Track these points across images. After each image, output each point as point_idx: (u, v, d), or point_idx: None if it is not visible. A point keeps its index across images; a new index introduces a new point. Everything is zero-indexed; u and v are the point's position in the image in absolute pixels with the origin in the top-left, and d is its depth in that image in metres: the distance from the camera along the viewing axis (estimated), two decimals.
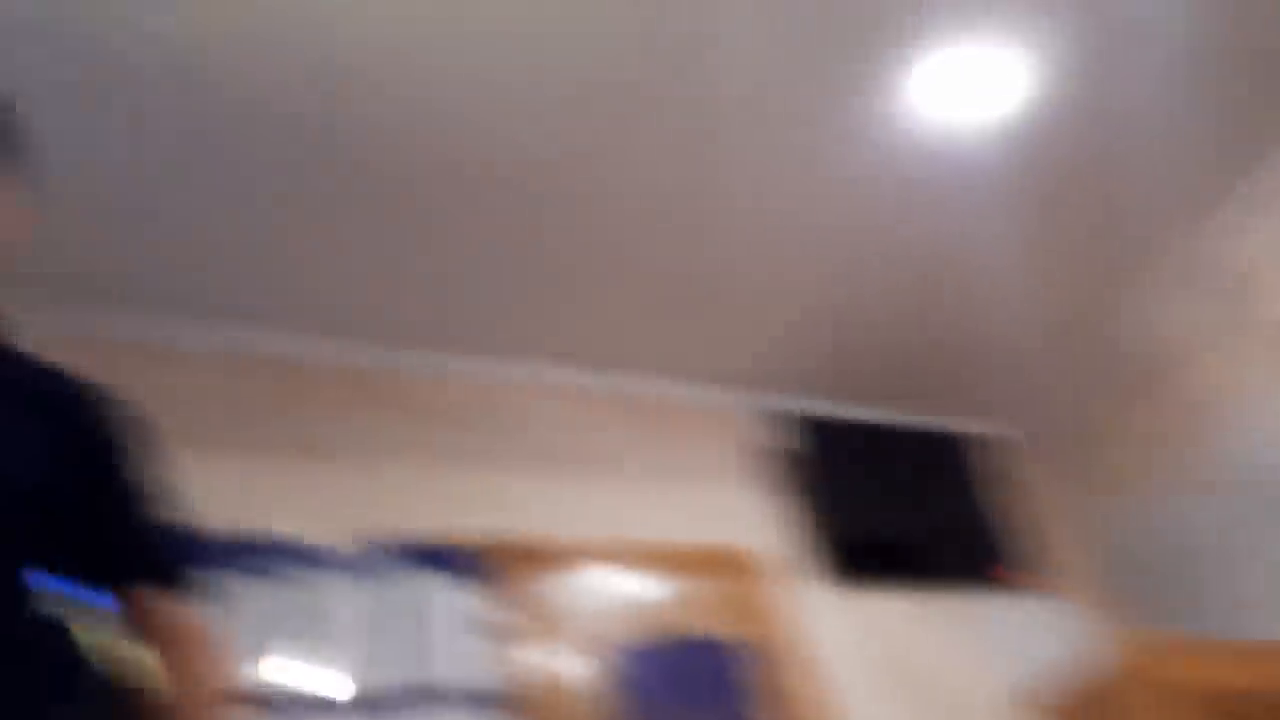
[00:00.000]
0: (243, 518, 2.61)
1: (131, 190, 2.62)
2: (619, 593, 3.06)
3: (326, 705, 2.48)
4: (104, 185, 2.57)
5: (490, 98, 2.58)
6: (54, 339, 1.20)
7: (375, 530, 2.84)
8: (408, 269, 3.04)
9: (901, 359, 3.77)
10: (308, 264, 2.96)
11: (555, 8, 2.41)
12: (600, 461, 3.38)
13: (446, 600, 2.78)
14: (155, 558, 1.14)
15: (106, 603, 1.10)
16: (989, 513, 3.86)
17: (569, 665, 2.84)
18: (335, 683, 2.54)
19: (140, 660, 1.08)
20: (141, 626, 1.07)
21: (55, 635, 1.03)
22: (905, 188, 3.07)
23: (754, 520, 3.46)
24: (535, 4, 2.40)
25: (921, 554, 3.64)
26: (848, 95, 2.77)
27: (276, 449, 2.94)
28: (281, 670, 2.49)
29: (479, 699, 2.64)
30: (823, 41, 2.61)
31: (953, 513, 3.80)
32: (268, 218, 2.78)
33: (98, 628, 1.08)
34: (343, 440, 3.05)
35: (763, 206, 3.06)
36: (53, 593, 1.06)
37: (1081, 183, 3.17)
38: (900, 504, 3.72)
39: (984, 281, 3.44)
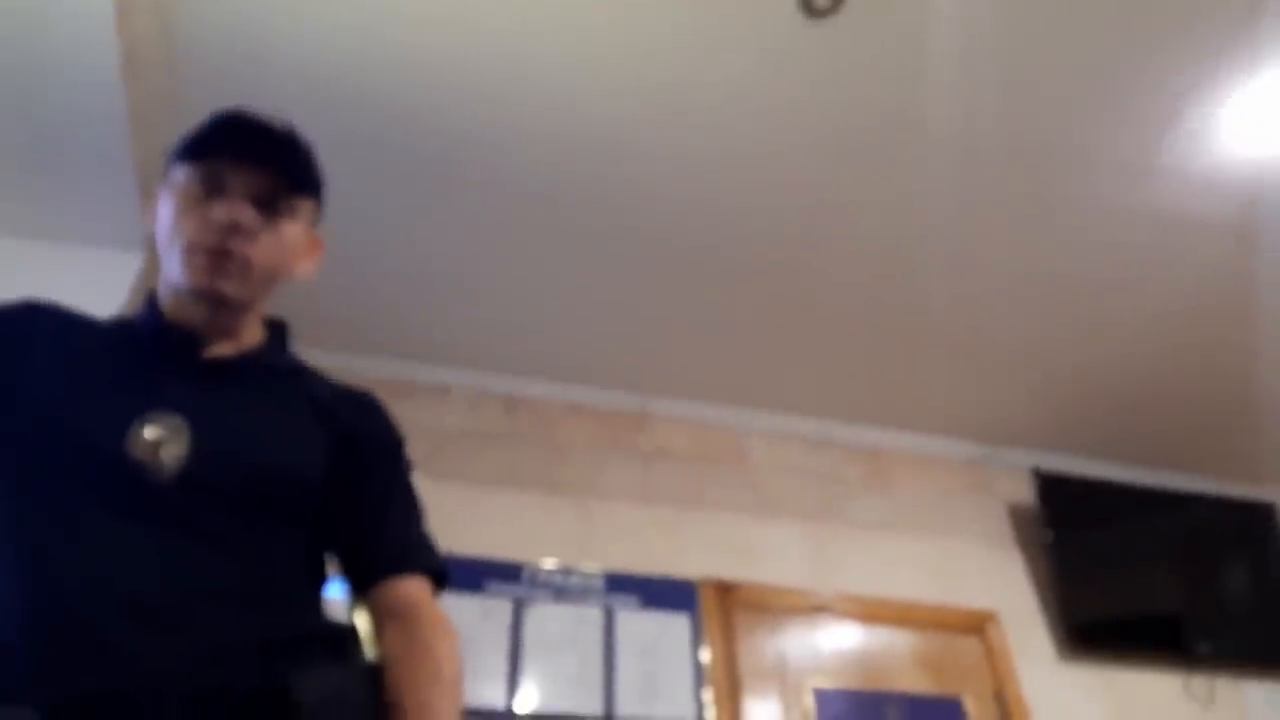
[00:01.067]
0: (472, 541, 2.78)
1: (403, 254, 2.87)
2: (844, 644, 3.02)
3: None
4: (380, 249, 2.83)
5: (737, 153, 2.61)
6: (330, 371, 1.28)
7: (599, 561, 2.94)
8: (655, 319, 3.12)
9: (1167, 416, 3.52)
10: (558, 314, 3.09)
11: (803, 66, 2.42)
12: (833, 511, 3.35)
13: (661, 635, 2.82)
14: (420, 550, 1.17)
15: (357, 597, 1.15)
16: (1261, 587, 3.48)
17: (786, 713, 2.80)
18: (532, 701, 2.64)
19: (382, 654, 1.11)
20: (389, 619, 1.09)
21: (345, 631, 1.09)
22: (1184, 230, 2.85)
23: (992, 578, 3.33)
24: (784, 61, 2.41)
25: (1174, 629, 3.33)
26: (1137, 133, 2.60)
27: (510, 480, 3.09)
28: (485, 685, 2.60)
29: None
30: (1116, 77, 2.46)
31: (1220, 585, 3.47)
32: (524, 273, 2.94)
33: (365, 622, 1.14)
34: (579, 475, 3.17)
35: (1020, 255, 2.92)
36: (337, 588, 1.15)
37: None
38: (1158, 573, 3.43)
39: (1267, 333, 3.14)
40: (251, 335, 1.19)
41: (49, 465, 1.00)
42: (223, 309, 1.14)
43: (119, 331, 1.18)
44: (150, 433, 1.01)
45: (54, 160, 2.39)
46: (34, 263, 2.47)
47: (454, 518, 2.78)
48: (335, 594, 1.16)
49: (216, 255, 1.10)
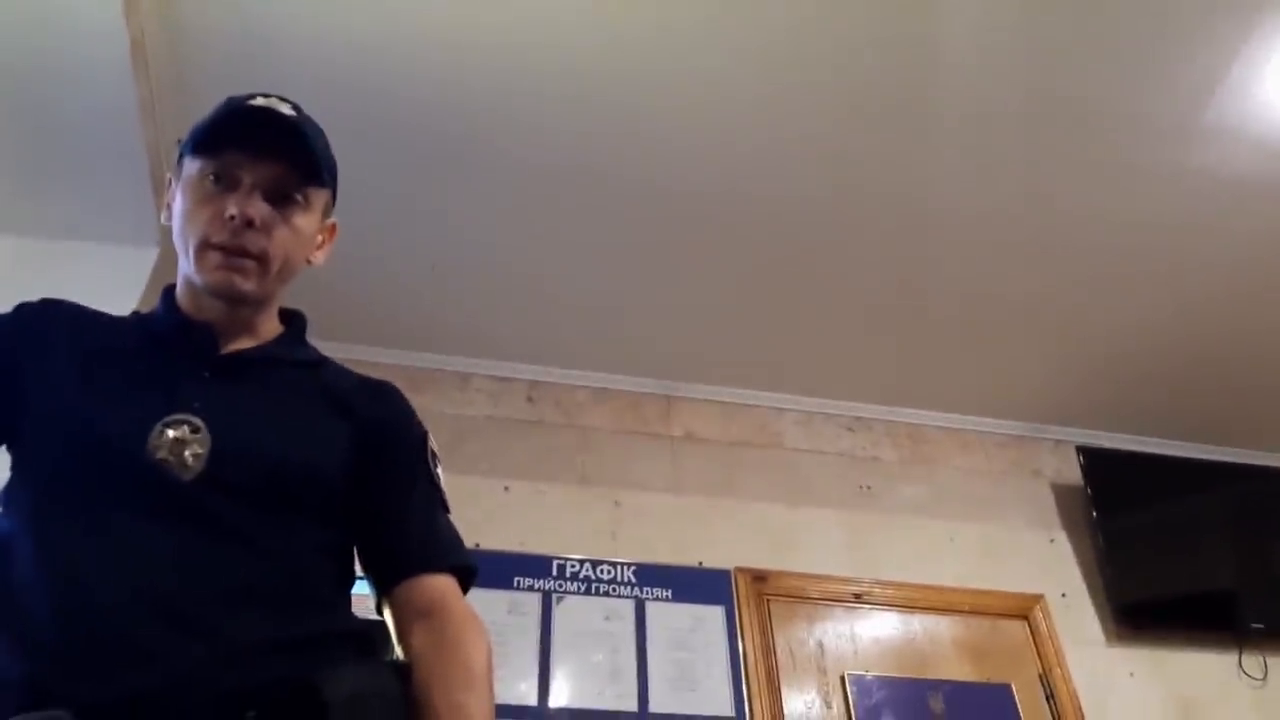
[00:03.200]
0: (498, 535, 2.75)
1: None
2: (884, 632, 2.97)
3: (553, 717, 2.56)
4: (397, 237, 2.81)
5: (760, 133, 2.56)
6: (349, 363, 1.26)
7: (629, 552, 2.91)
8: (681, 303, 3.09)
9: (1214, 388, 3.43)
10: (581, 300, 3.07)
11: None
12: (870, 495, 3.30)
13: (695, 627, 2.79)
14: (447, 545, 1.16)
15: (377, 592, 1.14)
16: None
17: (825, 702, 2.74)
18: (564, 696, 2.62)
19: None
20: (416, 618, 1.08)
21: (373, 629, 1.08)
22: (1232, 193, 2.76)
23: (1037, 560, 3.26)
24: (805, 35, 2.35)
25: (1227, 606, 3.25)
26: (1181, 96, 2.52)
27: (536, 471, 3.06)
28: (516, 681, 2.58)
29: None
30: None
31: (1273, 559, 3.37)
32: (546, 259, 2.92)
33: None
34: (606, 464, 3.14)
35: (1059, 227, 2.85)
36: (362, 586, 1.12)
37: None
38: (1209, 549, 3.35)
39: None
40: (269, 328, 1.19)
41: (71, 467, 1.00)
42: (240, 305, 1.14)
43: (137, 328, 1.18)
44: (171, 432, 1.01)
45: (65, 157, 2.40)
46: (50, 260, 2.49)
47: (479, 511, 2.77)
48: (362, 591, 1.13)
49: (231, 252, 1.10)
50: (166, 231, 1.18)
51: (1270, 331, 3.20)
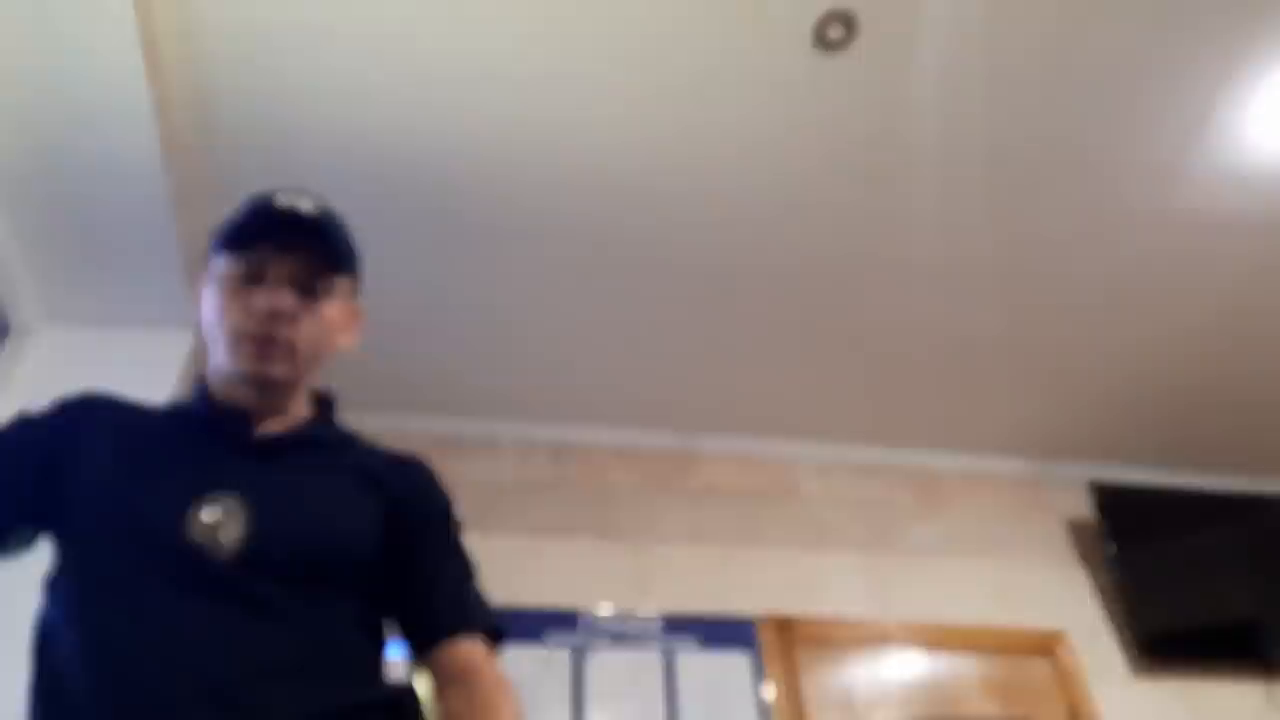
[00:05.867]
0: (528, 591, 2.78)
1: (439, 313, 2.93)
2: (910, 673, 2.96)
3: None
4: (419, 307, 2.89)
5: (763, 187, 2.61)
6: (376, 434, 1.31)
7: (655, 603, 2.93)
8: (695, 356, 3.11)
9: (1224, 418, 3.44)
10: (597, 359, 3.11)
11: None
12: (888, 539, 3.31)
13: (723, 675, 2.79)
14: (475, 610, 1.19)
15: (413, 659, 1.18)
16: None
17: None
18: None
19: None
20: (449, 682, 1.12)
21: (406, 695, 1.12)
22: (1222, 230, 2.81)
23: (1057, 597, 3.25)
24: (801, 94, 2.42)
25: (1252, 636, 3.23)
26: (1167, 136, 2.57)
27: (562, 528, 3.09)
28: None
29: None
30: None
31: None
32: (560, 320, 2.97)
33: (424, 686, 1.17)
34: (630, 518, 3.17)
35: (1069, 267, 2.90)
36: (397, 653, 1.17)
37: None
38: (1230, 579, 3.32)
39: None
40: (300, 410, 1.24)
41: (111, 551, 1.04)
42: (272, 389, 1.19)
43: (172, 416, 1.24)
44: (207, 515, 1.04)
45: (102, 248, 2.47)
46: (88, 349, 2.56)
47: (508, 569, 2.77)
48: (396, 656, 1.17)
49: (262, 342, 1.16)
50: (200, 324, 1.25)
51: (1275, 360, 3.22)
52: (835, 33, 2.25)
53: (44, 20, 1.96)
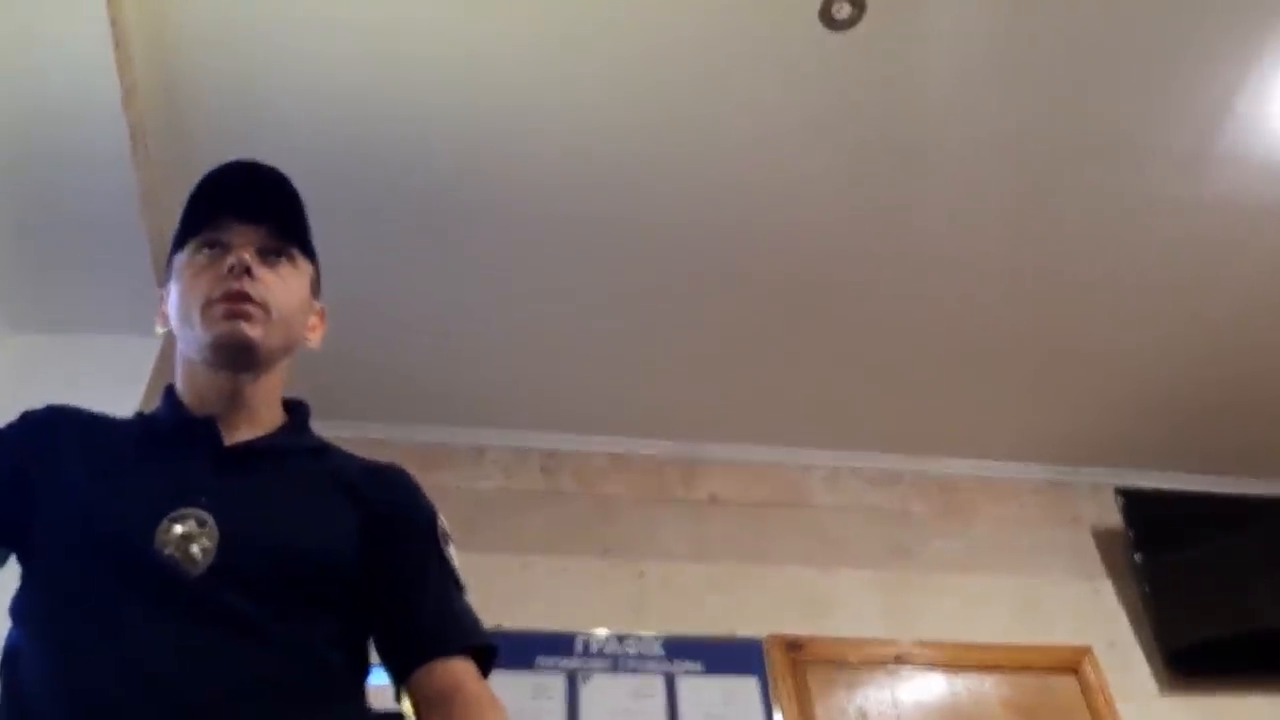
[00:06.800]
0: (519, 613, 2.68)
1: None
2: (928, 695, 2.89)
3: None
4: (400, 312, 2.84)
5: (768, 177, 2.57)
6: (359, 442, 1.29)
7: (656, 625, 2.87)
8: (696, 360, 3.07)
9: (1254, 419, 3.38)
10: (592, 363, 3.06)
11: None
12: (905, 553, 3.24)
13: (728, 700, 2.73)
14: (462, 627, 1.16)
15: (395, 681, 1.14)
16: None
17: None
18: None
19: None
20: (432, 705, 1.08)
21: None
22: (1249, 220, 2.76)
23: (1083, 611, 3.19)
24: (809, 75, 2.37)
25: None
26: (1190, 124, 2.53)
27: (555, 544, 3.02)
28: None
29: None
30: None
31: None
32: (551, 323, 2.92)
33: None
34: (627, 534, 3.10)
35: (1090, 259, 2.84)
36: (379, 676, 1.12)
37: None
38: (1262, 588, 3.20)
39: None
40: (271, 417, 1.21)
41: (81, 566, 1.02)
42: (246, 363, 1.16)
43: (142, 427, 1.21)
44: (178, 527, 1.03)
45: (67, 252, 2.46)
46: (56, 356, 2.56)
47: (498, 590, 2.71)
48: (379, 682, 1.12)
49: (233, 298, 1.14)
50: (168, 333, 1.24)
51: None
52: (842, 11, 2.23)
53: (11, 15, 1.96)
